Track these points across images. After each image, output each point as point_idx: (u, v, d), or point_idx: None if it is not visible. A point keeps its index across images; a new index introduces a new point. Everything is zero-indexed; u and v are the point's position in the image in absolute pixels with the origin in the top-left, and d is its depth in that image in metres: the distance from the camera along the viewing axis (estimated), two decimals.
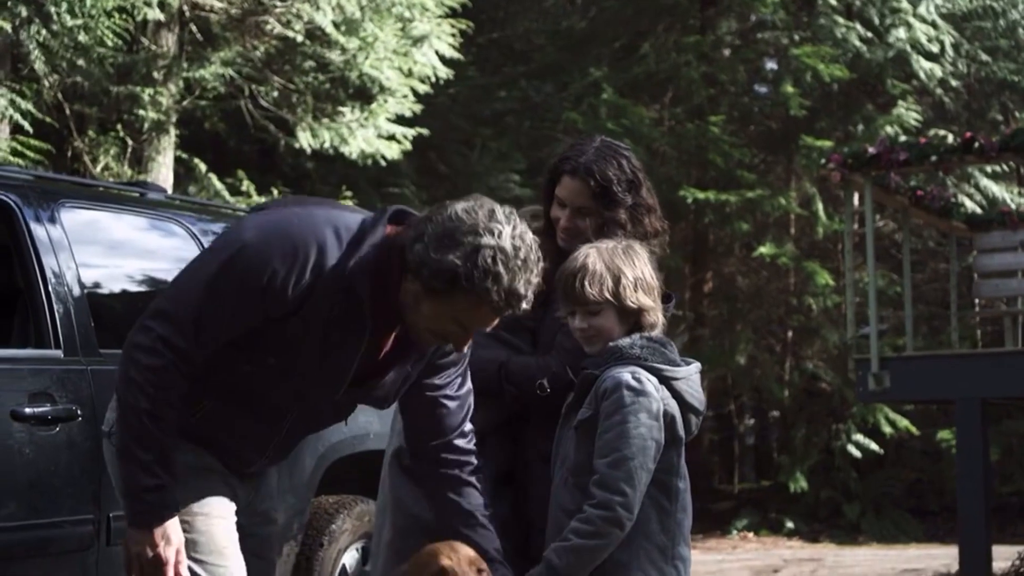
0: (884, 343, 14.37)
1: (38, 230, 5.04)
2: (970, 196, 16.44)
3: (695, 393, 3.72)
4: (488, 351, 4.00)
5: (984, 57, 17.46)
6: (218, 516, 3.46)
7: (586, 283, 3.67)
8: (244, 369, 3.39)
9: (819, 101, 17.45)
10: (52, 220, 5.14)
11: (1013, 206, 15.93)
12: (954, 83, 17.60)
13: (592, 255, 3.71)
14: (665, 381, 3.64)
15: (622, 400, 3.55)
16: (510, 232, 3.20)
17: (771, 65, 18.41)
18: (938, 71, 16.90)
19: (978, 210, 15.22)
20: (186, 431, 3.41)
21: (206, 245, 5.72)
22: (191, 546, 3.38)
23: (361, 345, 3.36)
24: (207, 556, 3.39)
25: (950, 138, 16.21)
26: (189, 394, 3.35)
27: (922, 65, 16.74)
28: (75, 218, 5.28)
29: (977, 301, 13.52)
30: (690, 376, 3.72)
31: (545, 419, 3.93)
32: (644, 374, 3.60)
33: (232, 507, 3.52)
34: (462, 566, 3.38)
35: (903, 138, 16.09)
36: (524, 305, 3.27)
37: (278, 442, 3.57)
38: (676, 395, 3.66)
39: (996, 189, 16.53)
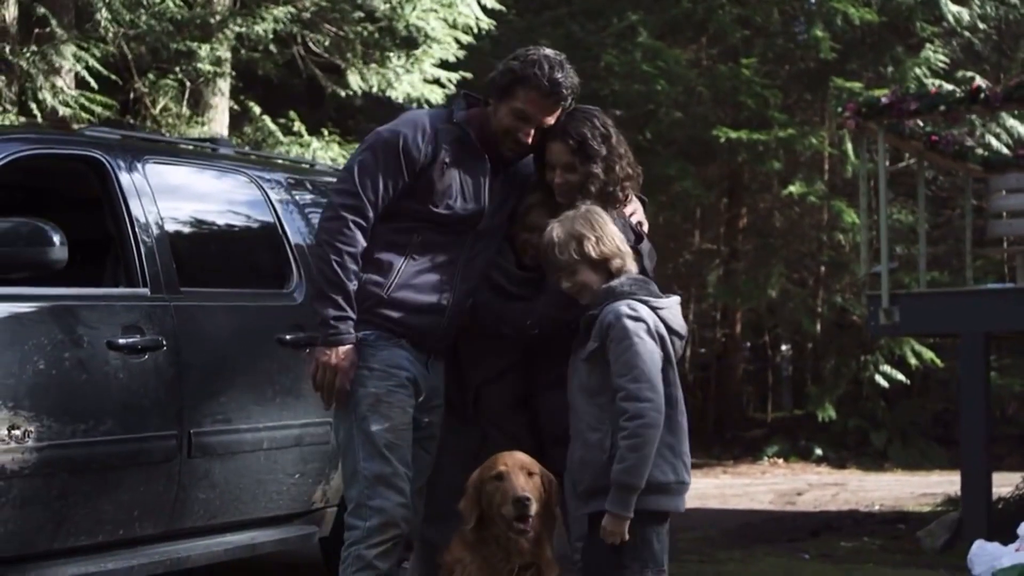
0: (911, 279, 14.88)
1: (126, 182, 5.75)
2: (997, 136, 16.80)
3: (677, 320, 4.45)
4: (490, 306, 4.73)
5: (1013, 0, 17.74)
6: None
7: (557, 252, 4.42)
8: (421, 222, 4.59)
9: (850, 43, 17.76)
10: (137, 173, 5.84)
11: None
12: (982, 26, 17.87)
13: (556, 228, 4.44)
14: (653, 310, 4.36)
15: (625, 326, 4.27)
16: (551, 51, 4.66)
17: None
18: (966, 15, 17.21)
19: (1004, 149, 15.60)
20: (384, 315, 4.55)
21: (269, 192, 6.49)
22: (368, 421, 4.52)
23: (485, 171, 4.66)
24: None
25: (977, 79, 16.65)
26: (384, 263, 4.57)
27: (950, 8, 17.06)
28: (157, 171, 5.99)
29: (1006, 240, 13.95)
30: (672, 306, 4.44)
31: (549, 354, 4.66)
32: (636, 303, 4.33)
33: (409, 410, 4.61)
34: (514, 469, 4.28)
35: (932, 81, 16.55)
36: (564, 92, 4.58)
37: (452, 296, 4.65)
38: (663, 321, 4.38)
39: (1023, 129, 16.86)
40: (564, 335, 4.56)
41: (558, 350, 4.58)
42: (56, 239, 5.02)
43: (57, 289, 5.33)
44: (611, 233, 4.45)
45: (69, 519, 5.17)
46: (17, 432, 4.91)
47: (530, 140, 4.64)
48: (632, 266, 4.48)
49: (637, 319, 4.30)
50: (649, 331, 4.30)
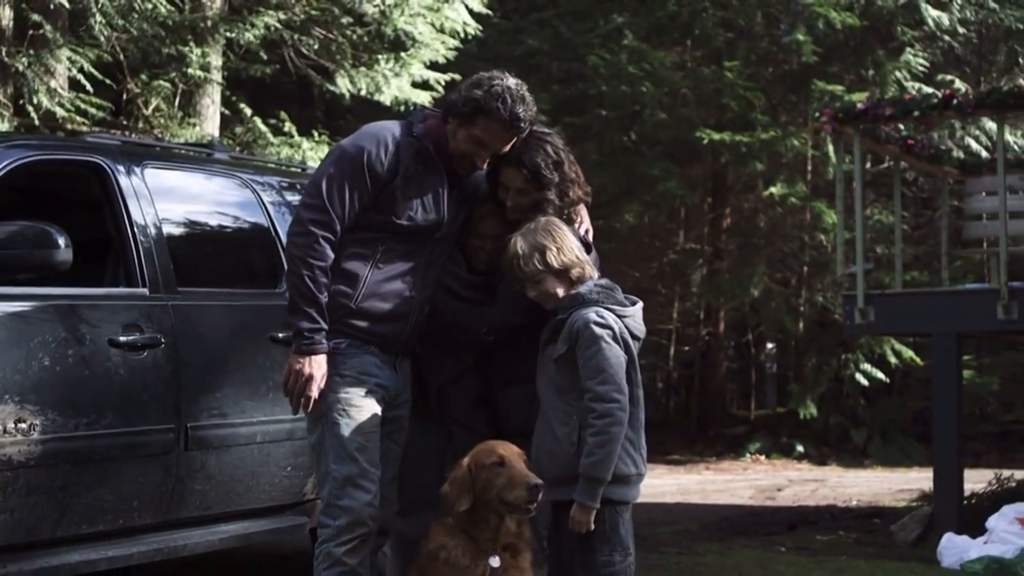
0: (890, 279, 15.10)
1: (125, 186, 5.97)
2: (976, 138, 17.04)
3: (638, 325, 4.75)
4: (443, 312, 4.98)
5: (992, 4, 17.93)
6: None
7: (522, 264, 4.68)
8: (384, 232, 4.79)
9: (832, 47, 17.97)
10: (136, 177, 6.05)
11: (1017, 149, 16.57)
12: (961, 30, 18.09)
13: (519, 241, 4.70)
14: (619, 317, 4.65)
15: (593, 333, 4.57)
16: (514, 81, 4.81)
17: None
18: (946, 19, 17.43)
19: (983, 152, 15.84)
20: (353, 325, 4.78)
21: (262, 195, 6.72)
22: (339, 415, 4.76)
23: (443, 183, 4.85)
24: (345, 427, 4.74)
25: (957, 82, 16.91)
26: (351, 274, 4.78)
27: (930, 13, 17.29)
28: (155, 175, 6.20)
29: (985, 241, 14.16)
30: (635, 314, 4.74)
31: (507, 354, 4.97)
32: (603, 311, 4.63)
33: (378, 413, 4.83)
34: (513, 456, 4.54)
35: (913, 84, 16.81)
36: (523, 126, 4.77)
37: (416, 301, 4.88)
38: (627, 328, 4.67)
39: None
40: (519, 338, 4.85)
41: (515, 351, 4.89)
42: (61, 242, 5.23)
43: (61, 289, 5.54)
44: (570, 243, 4.72)
45: (72, 508, 5.38)
46: (23, 425, 5.13)
47: (484, 165, 4.89)
48: (592, 272, 4.76)
49: (604, 326, 4.59)
50: (615, 337, 4.60)
